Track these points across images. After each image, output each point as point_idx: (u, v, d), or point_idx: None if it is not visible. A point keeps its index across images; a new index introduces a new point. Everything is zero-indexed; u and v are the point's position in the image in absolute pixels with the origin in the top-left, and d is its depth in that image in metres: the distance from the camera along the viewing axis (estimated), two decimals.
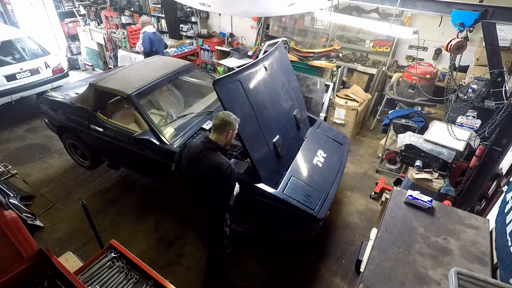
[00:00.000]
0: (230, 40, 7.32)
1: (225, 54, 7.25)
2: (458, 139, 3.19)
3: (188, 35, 7.80)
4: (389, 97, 4.91)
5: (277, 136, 2.98)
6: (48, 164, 4.53)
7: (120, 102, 4.04)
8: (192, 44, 7.59)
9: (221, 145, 2.27)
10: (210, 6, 3.61)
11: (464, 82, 4.45)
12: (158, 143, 3.16)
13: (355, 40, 5.97)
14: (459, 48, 2.60)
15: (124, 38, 6.42)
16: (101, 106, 3.74)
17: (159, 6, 7.77)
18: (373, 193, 4.07)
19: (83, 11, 8.50)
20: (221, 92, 2.48)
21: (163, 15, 7.71)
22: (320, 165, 3.23)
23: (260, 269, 3.13)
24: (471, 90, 3.82)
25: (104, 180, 4.27)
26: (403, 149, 3.54)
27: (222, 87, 2.50)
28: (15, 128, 5.37)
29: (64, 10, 8.81)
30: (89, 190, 4.09)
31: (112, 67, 6.89)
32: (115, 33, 6.69)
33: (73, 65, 7.85)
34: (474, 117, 3.64)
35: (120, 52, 6.51)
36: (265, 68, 3.08)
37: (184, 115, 3.61)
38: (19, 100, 5.40)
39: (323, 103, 4.65)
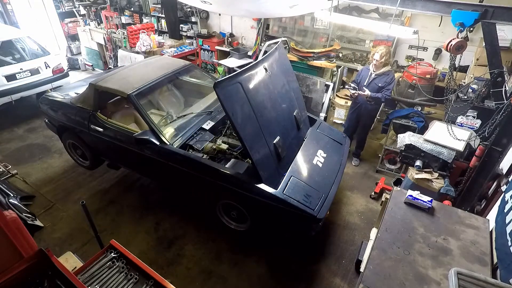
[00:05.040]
0: (230, 40, 7.32)
1: (225, 54, 7.25)
2: (458, 139, 3.19)
3: (188, 35, 7.81)
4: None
5: (278, 137, 2.98)
6: (48, 164, 4.53)
7: (120, 102, 4.05)
8: (192, 44, 7.59)
9: None
10: (211, 4, 3.60)
11: (464, 82, 4.45)
12: (158, 143, 3.16)
13: (355, 40, 5.97)
14: (459, 48, 2.60)
15: (124, 38, 6.41)
16: (101, 106, 3.75)
17: (159, 6, 7.78)
18: (373, 193, 4.07)
19: (83, 11, 8.51)
20: (222, 94, 2.48)
21: (163, 15, 7.72)
22: (320, 165, 3.23)
23: (260, 269, 3.13)
24: (471, 90, 3.82)
25: (104, 180, 4.27)
26: (403, 149, 3.54)
27: (222, 90, 2.50)
28: (15, 128, 5.37)
29: (64, 10, 8.83)
30: (89, 190, 4.09)
31: (112, 67, 6.89)
32: (115, 33, 6.69)
33: (73, 65, 7.85)
34: (474, 117, 3.64)
35: (120, 52, 6.51)
36: (265, 69, 3.08)
37: (184, 115, 3.61)
38: (19, 100, 5.40)
39: (323, 103, 4.64)
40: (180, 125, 3.47)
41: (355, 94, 4.09)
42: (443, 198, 3.24)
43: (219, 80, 2.51)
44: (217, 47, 7.36)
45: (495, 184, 2.99)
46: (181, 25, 7.81)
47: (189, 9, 7.70)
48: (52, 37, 7.70)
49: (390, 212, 2.34)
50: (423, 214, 2.33)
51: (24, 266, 1.57)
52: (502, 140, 2.83)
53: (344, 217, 3.77)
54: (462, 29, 2.59)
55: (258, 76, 2.96)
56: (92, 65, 7.76)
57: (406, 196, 2.39)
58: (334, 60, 5.39)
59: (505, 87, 2.89)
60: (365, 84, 4.08)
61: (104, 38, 6.90)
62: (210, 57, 7.66)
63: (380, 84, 3.99)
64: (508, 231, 1.94)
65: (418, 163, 3.44)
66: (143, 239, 3.41)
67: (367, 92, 3.97)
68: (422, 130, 3.92)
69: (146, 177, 4.14)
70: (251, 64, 2.95)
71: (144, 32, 6.33)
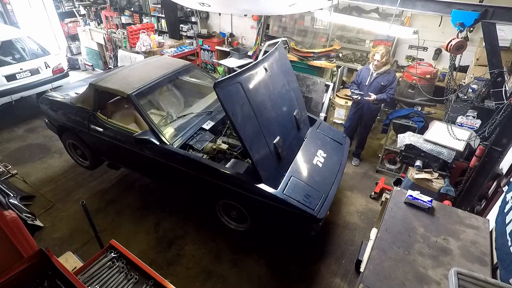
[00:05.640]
0: (230, 40, 7.32)
1: (225, 54, 7.25)
2: (458, 139, 3.19)
3: (188, 35, 7.81)
4: None
5: (278, 137, 2.98)
6: (48, 164, 4.53)
7: (120, 102, 4.05)
8: (192, 44, 7.59)
9: None
10: (210, 6, 3.60)
11: (464, 82, 4.45)
12: (158, 143, 3.16)
13: (355, 40, 5.97)
14: (459, 48, 2.60)
15: (124, 38, 6.42)
16: (101, 106, 3.74)
17: (159, 6, 7.78)
18: (373, 193, 4.07)
19: (83, 11, 8.52)
20: (222, 94, 2.48)
21: (163, 15, 7.72)
22: (320, 165, 3.23)
23: (260, 269, 3.13)
24: (471, 90, 3.82)
25: (104, 180, 4.27)
26: (403, 149, 3.54)
27: (222, 90, 2.50)
28: (15, 128, 5.37)
29: (64, 10, 8.83)
30: (89, 190, 4.09)
31: (112, 67, 6.89)
32: (115, 33, 6.70)
33: (73, 65, 7.85)
34: (474, 117, 3.64)
35: (120, 52, 6.51)
36: (265, 69, 3.08)
37: (184, 115, 3.61)
38: (19, 100, 5.40)
39: (323, 103, 4.64)
40: (180, 125, 3.47)
41: (358, 98, 4.09)
42: (443, 198, 3.24)
43: (219, 80, 2.50)
44: (217, 47, 7.36)
45: (495, 184, 2.99)
46: (181, 25, 7.81)
47: (189, 9, 7.70)
48: (52, 37, 7.70)
49: (390, 212, 2.34)
50: (423, 214, 2.33)
51: (24, 266, 1.57)
52: (502, 140, 2.82)
53: (344, 217, 3.77)
54: (462, 29, 2.58)
55: (258, 76, 2.96)
56: (92, 65, 7.76)
57: (406, 196, 2.39)
58: (334, 60, 5.38)
59: (505, 87, 2.88)
60: (366, 83, 4.08)
61: (104, 38, 6.91)
62: (210, 57, 7.66)
63: (382, 83, 3.99)
64: (508, 231, 1.94)
65: (418, 163, 3.44)
66: (143, 239, 3.41)
67: (373, 96, 3.96)
68: (422, 130, 3.92)
69: (146, 177, 4.14)
70: (251, 64, 2.95)
71: (144, 32, 6.33)
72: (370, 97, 3.97)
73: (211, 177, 3.02)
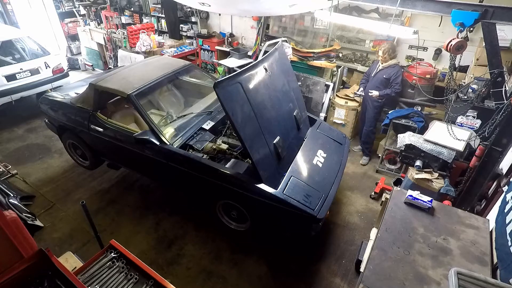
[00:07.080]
0: (230, 40, 7.32)
1: (225, 54, 7.25)
2: (458, 139, 3.19)
3: (188, 35, 7.80)
4: None
5: (278, 137, 2.98)
6: (48, 164, 4.53)
7: (120, 102, 4.05)
8: (192, 44, 7.59)
9: None
10: (210, 6, 3.60)
11: (464, 82, 4.44)
12: (158, 143, 3.16)
13: (355, 40, 5.96)
14: (459, 48, 2.60)
15: (124, 38, 6.42)
16: (101, 106, 3.75)
17: (159, 6, 7.78)
18: (373, 193, 4.07)
19: (83, 11, 8.52)
20: (222, 94, 2.48)
21: (163, 15, 7.72)
22: (320, 165, 3.23)
23: (260, 269, 3.13)
24: (471, 90, 3.81)
25: (104, 180, 4.27)
26: (403, 149, 3.54)
27: (222, 90, 2.50)
28: (15, 128, 5.38)
29: (64, 10, 8.83)
30: (89, 190, 4.09)
31: (112, 67, 6.89)
32: (115, 33, 6.70)
33: (73, 65, 7.85)
34: (474, 117, 3.64)
35: (120, 52, 6.51)
36: (265, 69, 3.07)
37: (184, 115, 3.61)
38: (19, 100, 5.41)
39: (323, 103, 4.65)
40: (180, 125, 3.47)
41: (362, 95, 4.45)
42: (443, 198, 3.24)
43: (219, 80, 2.50)
44: (217, 47, 7.35)
45: (495, 184, 2.99)
46: (181, 25, 7.81)
47: (189, 9, 7.70)
48: (52, 37, 7.71)
49: (390, 212, 2.34)
50: (423, 214, 2.33)
51: (24, 266, 1.57)
52: (502, 140, 2.82)
53: (344, 217, 3.77)
54: (462, 29, 2.58)
55: (258, 76, 2.95)
56: (92, 65, 7.77)
57: (406, 196, 2.39)
58: (334, 60, 5.39)
59: (505, 87, 2.88)
60: (372, 75, 4.38)
61: (104, 38, 6.90)
62: (210, 57, 7.66)
63: (385, 76, 4.24)
64: (508, 231, 1.94)
65: (418, 163, 3.45)
66: (143, 239, 3.41)
67: (375, 93, 4.24)
68: (422, 130, 3.92)
69: (146, 177, 4.14)
70: (251, 64, 2.95)
71: (144, 32, 6.33)
72: (372, 94, 4.23)
73: (211, 177, 3.02)
